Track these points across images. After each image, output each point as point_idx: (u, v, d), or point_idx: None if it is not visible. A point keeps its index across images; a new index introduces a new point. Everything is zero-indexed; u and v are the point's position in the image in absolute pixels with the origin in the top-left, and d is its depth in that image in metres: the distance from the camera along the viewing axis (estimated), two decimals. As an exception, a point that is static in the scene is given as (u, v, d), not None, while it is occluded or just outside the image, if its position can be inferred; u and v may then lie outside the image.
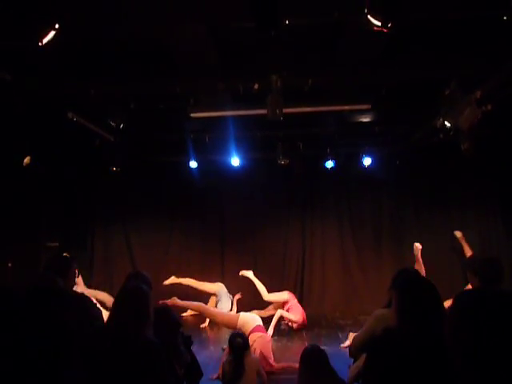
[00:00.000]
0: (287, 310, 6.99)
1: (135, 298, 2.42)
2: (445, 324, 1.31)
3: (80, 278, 7.16)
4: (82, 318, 2.78)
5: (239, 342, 4.10)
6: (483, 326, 1.17)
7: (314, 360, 3.20)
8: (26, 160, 6.27)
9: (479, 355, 1.17)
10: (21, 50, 3.64)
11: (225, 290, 7.83)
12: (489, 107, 4.41)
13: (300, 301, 8.23)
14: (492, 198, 8.09)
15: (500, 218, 8.00)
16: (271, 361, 5.03)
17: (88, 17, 3.33)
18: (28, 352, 1.73)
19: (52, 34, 2.86)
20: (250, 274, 7.55)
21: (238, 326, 5.42)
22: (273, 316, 6.79)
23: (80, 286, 6.69)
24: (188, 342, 3.34)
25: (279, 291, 7.52)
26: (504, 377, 1.13)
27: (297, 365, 3.40)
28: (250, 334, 5.14)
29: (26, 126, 5.73)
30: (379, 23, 2.74)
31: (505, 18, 2.88)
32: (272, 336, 6.37)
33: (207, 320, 7.08)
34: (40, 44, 2.87)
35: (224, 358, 4.35)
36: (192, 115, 5.21)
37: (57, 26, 2.84)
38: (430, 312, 1.94)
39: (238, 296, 7.60)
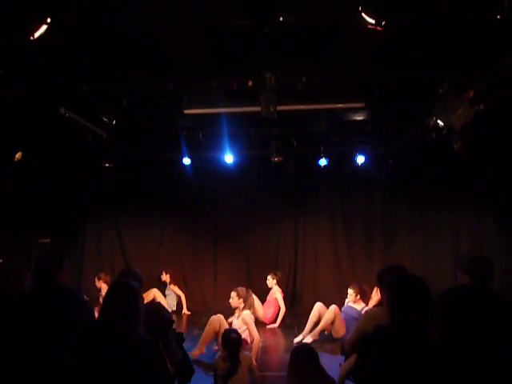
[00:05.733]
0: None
1: (125, 294, 2.41)
2: (430, 322, 1.31)
3: None
4: (74, 314, 2.77)
5: (234, 337, 4.10)
6: (466, 323, 1.17)
7: (303, 359, 3.20)
8: (18, 155, 6.21)
9: (463, 354, 1.17)
10: (12, 44, 3.59)
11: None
12: (481, 107, 4.43)
13: (292, 296, 8.31)
14: (484, 199, 8.12)
15: (491, 218, 8.04)
16: None
17: (81, 11, 3.30)
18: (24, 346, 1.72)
19: (44, 28, 2.83)
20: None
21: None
22: None
23: None
24: (180, 339, 3.34)
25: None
26: (487, 375, 1.13)
27: None
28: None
29: (18, 120, 5.67)
30: (373, 21, 2.74)
31: (498, 17, 2.89)
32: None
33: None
34: (32, 38, 2.83)
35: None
36: (185, 112, 5.18)
37: (49, 20, 2.81)
38: (421, 310, 1.95)
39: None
